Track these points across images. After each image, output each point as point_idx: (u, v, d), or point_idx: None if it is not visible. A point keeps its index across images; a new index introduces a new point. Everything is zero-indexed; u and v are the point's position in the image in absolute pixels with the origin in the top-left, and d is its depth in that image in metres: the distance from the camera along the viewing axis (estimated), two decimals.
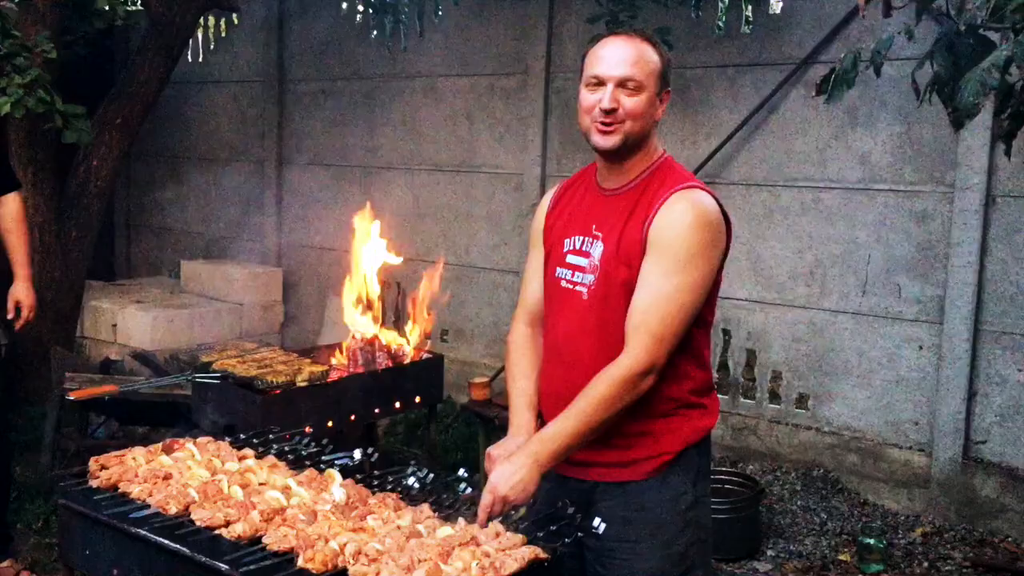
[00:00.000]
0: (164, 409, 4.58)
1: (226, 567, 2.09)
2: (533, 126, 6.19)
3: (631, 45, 2.28)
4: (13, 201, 4.25)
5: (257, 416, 3.71)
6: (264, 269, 7.49)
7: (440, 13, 6.71)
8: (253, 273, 7.34)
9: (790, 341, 5.29)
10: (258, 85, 7.77)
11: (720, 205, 2.30)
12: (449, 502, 2.41)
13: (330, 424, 4.00)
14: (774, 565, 4.39)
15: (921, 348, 4.90)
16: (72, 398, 4.09)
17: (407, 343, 4.55)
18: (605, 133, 2.28)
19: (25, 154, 5.69)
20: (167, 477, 2.49)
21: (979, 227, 4.65)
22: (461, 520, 2.25)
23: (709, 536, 2.44)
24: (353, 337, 4.45)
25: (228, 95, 8.06)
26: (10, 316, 4.24)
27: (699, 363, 2.37)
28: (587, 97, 2.30)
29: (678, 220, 2.23)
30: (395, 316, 6.63)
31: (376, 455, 2.89)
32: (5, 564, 4.02)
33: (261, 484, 2.47)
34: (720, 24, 5.60)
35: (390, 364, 4.40)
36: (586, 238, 2.36)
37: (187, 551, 2.18)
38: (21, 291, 4.25)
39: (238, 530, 2.20)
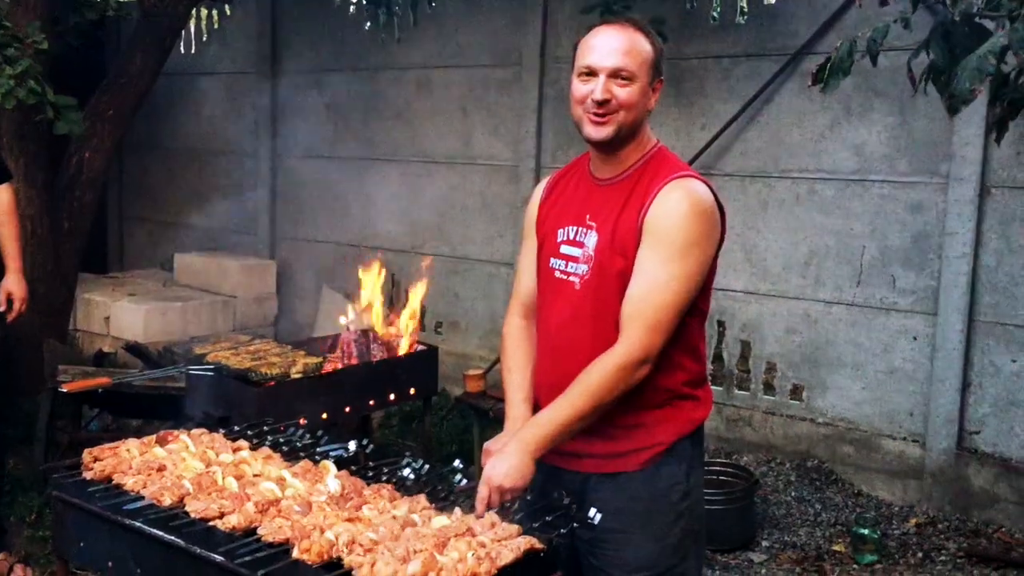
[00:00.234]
0: (158, 402, 4.57)
1: (221, 558, 2.08)
2: (528, 117, 6.17)
3: (623, 34, 2.26)
4: (5, 193, 4.24)
5: (251, 408, 3.70)
6: (258, 261, 7.46)
7: (433, 4, 6.68)
8: (247, 265, 7.32)
9: (784, 332, 5.30)
10: (251, 77, 7.73)
11: (715, 194, 2.29)
12: (444, 493, 2.40)
13: (325, 416, 4.00)
14: (769, 556, 4.40)
15: (915, 339, 4.91)
16: (65, 390, 4.07)
17: (402, 333, 4.55)
18: (598, 124, 2.26)
19: (17, 146, 5.64)
20: (161, 469, 2.47)
21: (973, 218, 4.66)
22: (457, 510, 2.25)
23: (702, 527, 2.44)
24: (347, 329, 4.45)
25: (221, 86, 8.02)
26: (2, 308, 4.23)
27: (693, 354, 2.36)
28: (579, 87, 2.28)
29: (674, 209, 2.22)
30: (389, 307, 6.61)
31: (371, 446, 2.89)
32: None
33: (256, 475, 2.46)
34: (715, 14, 5.58)
35: (385, 356, 4.40)
36: (580, 228, 2.35)
37: (182, 543, 2.17)
38: (13, 283, 4.25)
39: (233, 521, 2.19)
